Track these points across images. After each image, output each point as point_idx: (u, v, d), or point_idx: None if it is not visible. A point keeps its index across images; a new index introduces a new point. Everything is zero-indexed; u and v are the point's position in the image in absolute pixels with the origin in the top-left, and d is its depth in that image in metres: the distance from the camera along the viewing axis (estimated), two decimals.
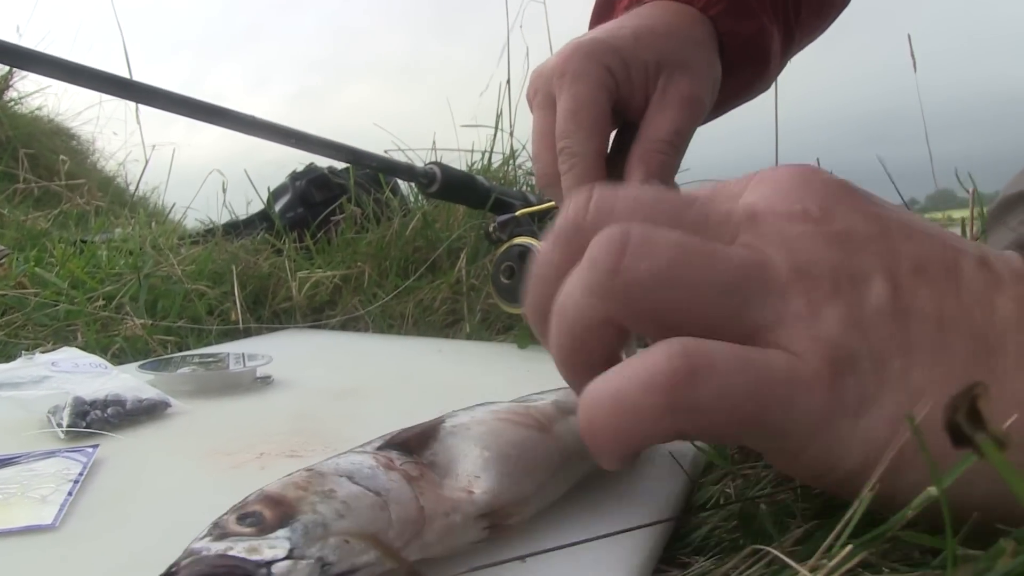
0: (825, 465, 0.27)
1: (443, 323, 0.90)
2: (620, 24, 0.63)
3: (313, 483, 0.29)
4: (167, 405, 0.51)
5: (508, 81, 1.17)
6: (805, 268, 0.28)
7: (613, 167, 0.60)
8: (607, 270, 0.28)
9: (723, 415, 0.27)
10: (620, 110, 0.59)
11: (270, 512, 0.27)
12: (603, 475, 0.38)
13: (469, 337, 0.86)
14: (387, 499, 0.29)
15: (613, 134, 0.62)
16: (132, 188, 2.36)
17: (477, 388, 0.61)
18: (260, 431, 0.47)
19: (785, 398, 0.26)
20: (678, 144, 0.59)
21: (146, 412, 0.49)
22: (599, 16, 0.73)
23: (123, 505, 0.37)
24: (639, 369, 0.27)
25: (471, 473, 0.33)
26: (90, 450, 0.42)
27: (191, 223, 1.75)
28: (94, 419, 0.47)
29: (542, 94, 0.60)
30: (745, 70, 0.68)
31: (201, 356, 0.63)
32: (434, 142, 1.27)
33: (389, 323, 0.91)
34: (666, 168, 0.58)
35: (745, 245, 0.29)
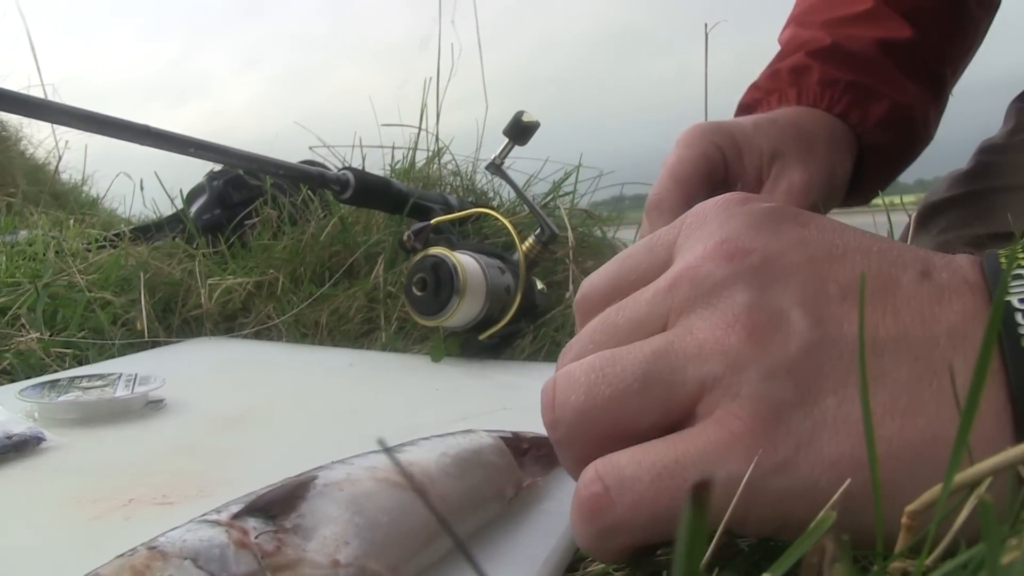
0: (775, 523, 0.26)
1: (359, 332, 0.88)
2: (748, 116, 0.70)
3: (153, 567, 0.27)
4: (40, 440, 0.48)
5: (438, 75, 1.14)
6: (718, 322, 0.27)
7: None
8: (548, 423, 0.31)
9: (647, 524, 0.27)
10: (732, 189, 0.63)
11: None
12: (491, 530, 0.37)
13: (385, 347, 0.84)
14: None
15: None
16: (64, 177, 2.28)
17: (380, 411, 0.59)
18: (137, 470, 0.44)
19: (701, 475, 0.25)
20: None
21: (15, 449, 0.46)
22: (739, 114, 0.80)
23: None
24: (574, 498, 0.29)
25: (339, 539, 0.31)
26: None
27: (136, 211, 1.69)
28: None
29: None
30: (892, 144, 0.74)
31: (90, 378, 0.60)
32: (361, 139, 1.25)
33: (303, 332, 0.88)
34: None
35: (665, 327, 0.29)
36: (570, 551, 0.36)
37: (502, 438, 0.42)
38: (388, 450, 0.37)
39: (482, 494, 0.38)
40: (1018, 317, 0.25)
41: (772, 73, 0.77)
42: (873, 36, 0.75)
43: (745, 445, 0.25)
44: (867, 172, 0.75)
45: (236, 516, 0.31)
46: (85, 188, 2.22)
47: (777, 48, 0.80)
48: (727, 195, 0.32)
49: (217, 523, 0.30)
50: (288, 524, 0.31)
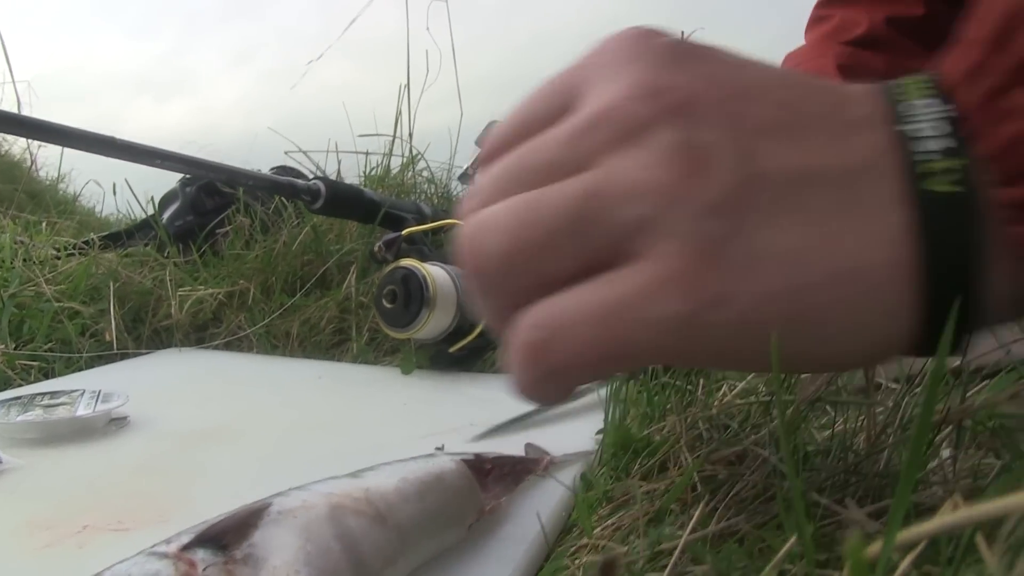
0: (711, 355, 0.27)
1: (330, 343, 0.87)
2: None
3: None
4: None
5: (407, 84, 1.14)
6: (648, 162, 0.26)
7: None
8: (470, 272, 0.29)
9: (592, 366, 0.27)
10: None
11: None
12: (451, 556, 0.37)
13: (356, 359, 0.83)
14: None
15: None
16: (41, 175, 2.25)
17: (348, 427, 0.59)
18: (95, 493, 0.44)
19: (641, 315, 0.26)
20: None
21: None
22: None
23: None
24: (511, 348, 0.28)
25: (289, 567, 0.31)
26: None
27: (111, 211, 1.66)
28: None
29: None
30: None
31: (53, 394, 0.59)
32: (336, 144, 1.24)
33: (273, 343, 0.87)
34: None
35: (584, 168, 0.28)
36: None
37: (464, 461, 0.41)
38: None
39: (442, 520, 0.37)
40: (924, 145, 0.26)
41: None
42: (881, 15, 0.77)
43: (684, 281, 0.25)
44: None
45: (186, 547, 0.30)
46: (62, 186, 2.19)
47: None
48: (628, 30, 0.31)
49: (165, 555, 0.30)
50: (239, 554, 0.30)
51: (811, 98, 0.28)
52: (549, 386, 0.28)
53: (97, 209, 2.01)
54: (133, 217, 1.36)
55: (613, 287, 0.26)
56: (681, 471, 0.41)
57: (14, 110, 1.77)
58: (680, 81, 0.28)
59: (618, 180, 0.27)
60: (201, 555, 0.30)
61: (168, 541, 0.31)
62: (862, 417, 0.41)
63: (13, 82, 1.95)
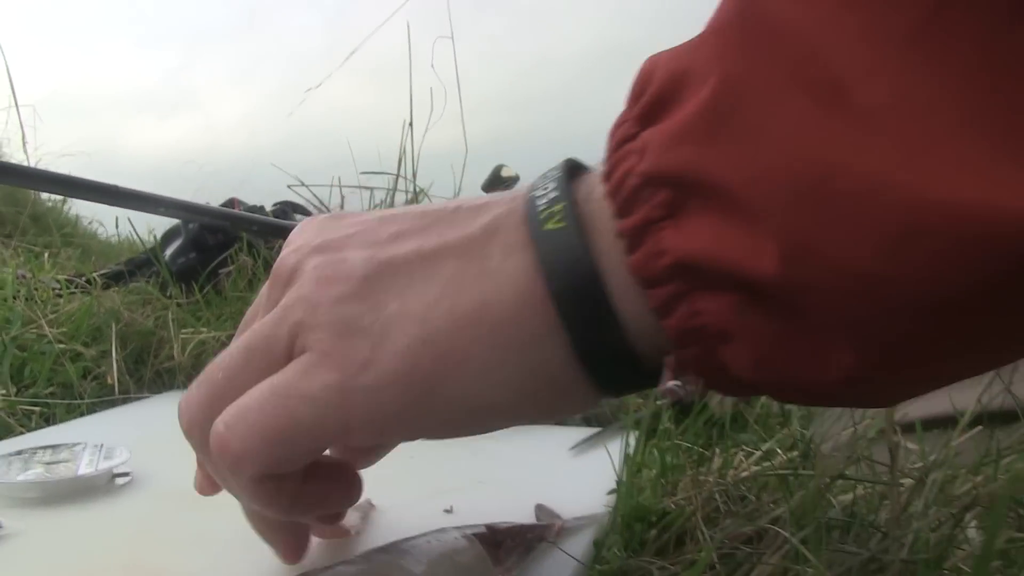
0: (376, 421, 0.30)
1: None
2: None
3: None
4: None
5: (411, 123, 1.13)
6: (296, 288, 0.32)
7: None
8: (185, 434, 0.36)
9: (263, 448, 0.31)
10: None
11: None
12: None
13: None
14: None
15: None
16: (44, 196, 2.24)
17: None
18: (94, 563, 0.43)
19: (299, 392, 0.30)
20: None
21: None
22: None
23: None
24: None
25: None
26: None
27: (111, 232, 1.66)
28: None
29: None
30: None
31: (54, 448, 0.58)
32: (340, 179, 1.23)
33: None
34: None
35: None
36: None
37: (476, 535, 0.40)
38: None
39: None
40: (541, 200, 0.31)
41: None
42: None
43: (331, 359, 0.30)
44: None
45: None
46: (65, 208, 2.18)
47: None
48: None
49: None
50: None
51: (451, 209, 0.33)
52: (239, 479, 0.32)
53: (99, 232, 2.01)
54: (133, 241, 1.36)
55: (277, 377, 0.31)
56: (698, 547, 0.40)
57: (18, 134, 1.77)
58: (325, 232, 0.33)
59: (276, 310, 0.32)
60: None
61: None
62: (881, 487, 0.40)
63: (16, 107, 1.95)
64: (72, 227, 2.04)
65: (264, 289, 0.35)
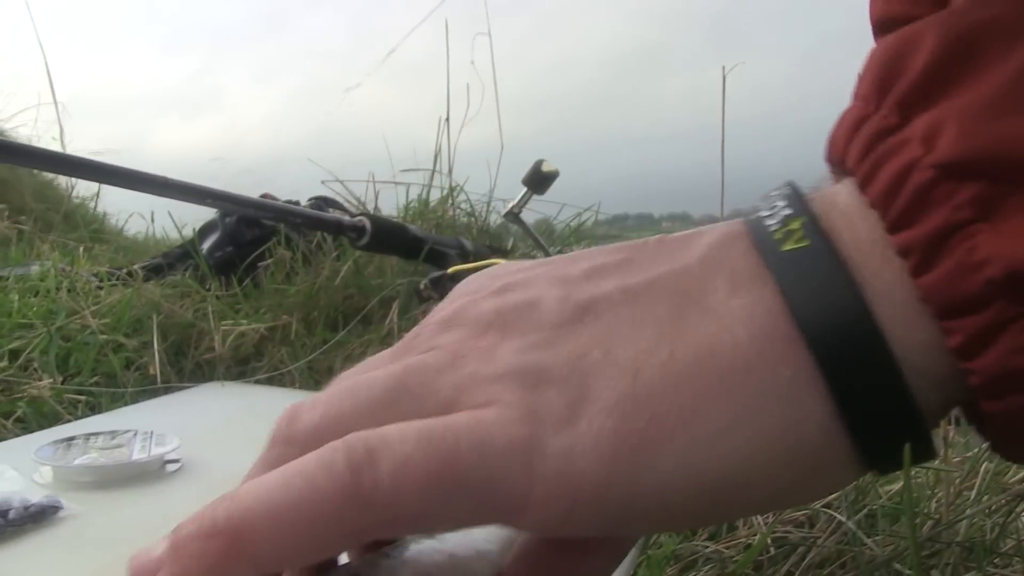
0: (567, 496, 0.23)
1: None
2: None
3: None
4: (57, 509, 0.47)
5: (447, 118, 1.14)
6: (469, 332, 0.26)
7: None
8: (281, 441, 0.29)
9: (416, 495, 0.23)
10: None
11: None
12: None
13: None
14: None
15: None
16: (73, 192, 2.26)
17: None
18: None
19: (476, 440, 0.23)
20: None
21: (32, 519, 0.46)
22: None
23: None
24: (306, 463, 0.24)
25: None
26: None
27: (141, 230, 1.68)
28: None
29: None
30: None
31: (106, 435, 0.59)
32: (372, 175, 1.25)
33: (316, 379, 0.88)
34: None
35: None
36: None
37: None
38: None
39: None
40: (768, 221, 0.25)
41: None
42: None
43: (517, 411, 0.23)
44: None
45: None
46: (91, 205, 2.19)
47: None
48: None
49: None
50: None
51: (654, 241, 0.28)
52: (366, 523, 0.23)
53: (126, 229, 2.03)
54: (159, 237, 1.37)
55: (441, 418, 0.24)
56: (751, 530, 0.40)
57: (55, 131, 1.79)
58: (502, 277, 0.28)
59: (441, 352, 0.26)
60: None
61: None
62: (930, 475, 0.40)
63: (55, 104, 1.98)
64: (99, 224, 2.06)
65: (417, 329, 0.29)
